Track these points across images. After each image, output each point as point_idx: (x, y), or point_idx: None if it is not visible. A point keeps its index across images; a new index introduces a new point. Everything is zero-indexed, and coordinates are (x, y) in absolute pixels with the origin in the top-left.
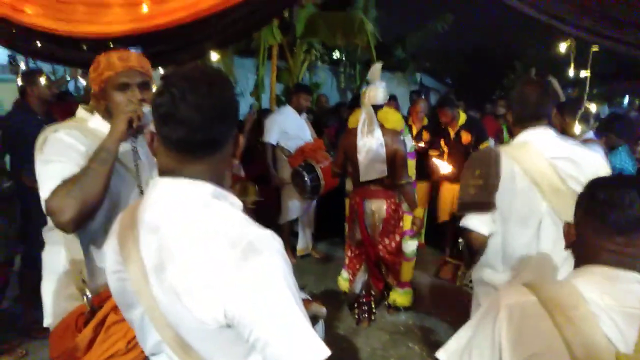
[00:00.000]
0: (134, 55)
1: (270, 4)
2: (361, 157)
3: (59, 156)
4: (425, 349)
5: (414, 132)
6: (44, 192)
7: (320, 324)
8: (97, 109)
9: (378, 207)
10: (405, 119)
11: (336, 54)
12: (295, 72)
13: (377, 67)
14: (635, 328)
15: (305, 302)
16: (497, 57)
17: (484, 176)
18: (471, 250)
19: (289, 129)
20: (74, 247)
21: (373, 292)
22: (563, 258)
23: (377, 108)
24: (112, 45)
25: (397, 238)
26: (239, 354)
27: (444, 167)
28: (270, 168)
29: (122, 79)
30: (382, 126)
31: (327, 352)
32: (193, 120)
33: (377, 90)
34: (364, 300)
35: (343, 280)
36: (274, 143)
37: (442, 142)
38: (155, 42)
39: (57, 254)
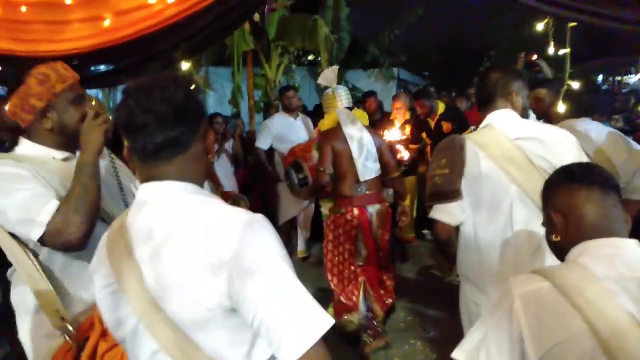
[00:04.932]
0: (67, 66)
1: (238, 8)
2: (361, 157)
3: (16, 184)
4: (429, 344)
5: (397, 126)
6: (42, 216)
7: None
8: (33, 131)
9: (380, 211)
10: (388, 114)
11: (312, 56)
12: (272, 77)
13: (333, 70)
14: None
15: None
16: (472, 46)
17: (450, 164)
18: (438, 242)
19: (280, 133)
20: (42, 285)
21: (377, 317)
22: (537, 243)
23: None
24: (77, 63)
25: (387, 236)
26: (244, 343)
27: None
28: (266, 167)
29: (77, 91)
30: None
31: (331, 321)
32: (150, 124)
33: (345, 94)
34: (371, 324)
35: (352, 322)
36: (265, 148)
37: (424, 135)
38: (123, 56)
39: (26, 295)
